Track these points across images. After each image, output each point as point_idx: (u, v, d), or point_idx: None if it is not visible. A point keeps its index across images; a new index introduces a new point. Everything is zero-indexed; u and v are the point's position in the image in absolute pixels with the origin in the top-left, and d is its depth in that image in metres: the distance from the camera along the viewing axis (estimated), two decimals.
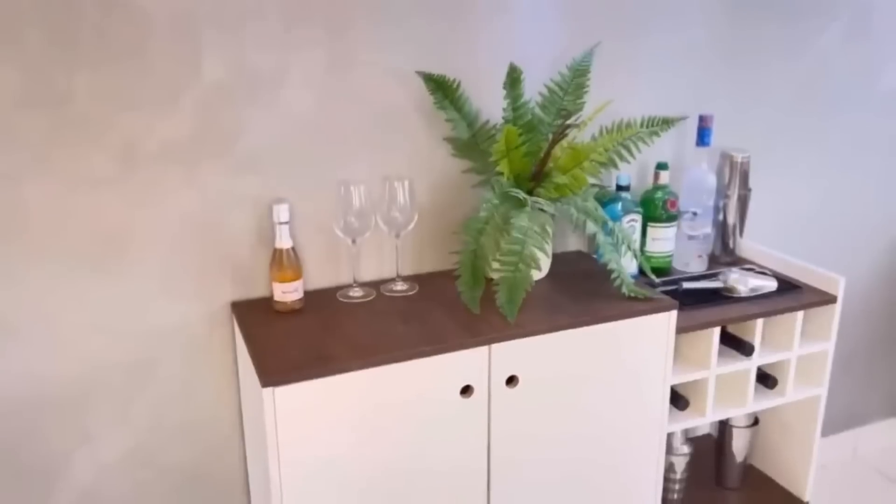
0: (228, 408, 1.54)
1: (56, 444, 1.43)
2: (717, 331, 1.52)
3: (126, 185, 1.35)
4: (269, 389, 1.19)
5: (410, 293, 1.52)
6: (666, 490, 1.73)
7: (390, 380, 1.28)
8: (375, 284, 1.55)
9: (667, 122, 1.54)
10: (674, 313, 1.46)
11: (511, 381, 1.37)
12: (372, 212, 1.46)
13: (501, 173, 1.46)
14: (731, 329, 1.62)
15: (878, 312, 2.25)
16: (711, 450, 1.90)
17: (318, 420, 1.24)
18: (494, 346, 1.33)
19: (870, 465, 2.33)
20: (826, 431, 2.26)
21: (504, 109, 1.51)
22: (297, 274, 1.42)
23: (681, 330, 1.48)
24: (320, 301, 1.48)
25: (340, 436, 1.26)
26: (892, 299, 2.26)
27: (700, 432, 2.04)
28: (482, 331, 1.34)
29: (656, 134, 1.52)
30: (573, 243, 1.77)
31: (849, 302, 2.13)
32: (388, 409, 1.29)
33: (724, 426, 1.81)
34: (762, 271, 1.69)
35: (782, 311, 1.57)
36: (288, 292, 1.42)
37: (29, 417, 1.39)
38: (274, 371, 1.21)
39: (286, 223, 1.39)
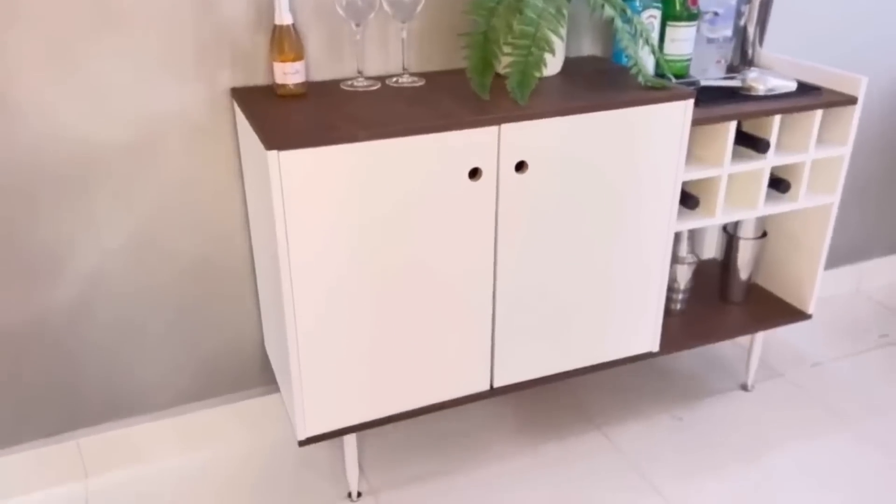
0: (232, 194, 1.52)
1: (59, 226, 1.41)
2: (732, 125, 1.47)
3: None
4: (274, 153, 1.16)
5: (417, 84, 1.46)
6: (669, 300, 1.74)
7: (398, 155, 1.24)
8: (381, 78, 1.49)
9: None
10: (690, 103, 1.41)
11: (520, 167, 1.34)
12: None
13: None
14: (746, 128, 1.57)
15: (894, 142, 2.19)
16: (717, 272, 1.90)
17: (325, 193, 1.22)
18: (504, 126, 1.29)
19: (872, 299, 2.35)
20: (829, 264, 2.26)
21: None
22: (299, 54, 1.36)
23: (696, 122, 1.43)
24: (323, 90, 1.43)
25: (347, 212, 1.24)
26: None
27: (706, 255, 2.04)
28: (492, 112, 1.29)
29: None
30: (587, 48, 1.70)
31: (865, 127, 2.07)
32: (395, 186, 1.26)
33: (730, 240, 1.80)
34: (782, 74, 1.62)
35: (801, 109, 1.51)
36: (290, 73, 1.36)
37: (30, 195, 1.37)
38: (278, 137, 1.17)
39: None
